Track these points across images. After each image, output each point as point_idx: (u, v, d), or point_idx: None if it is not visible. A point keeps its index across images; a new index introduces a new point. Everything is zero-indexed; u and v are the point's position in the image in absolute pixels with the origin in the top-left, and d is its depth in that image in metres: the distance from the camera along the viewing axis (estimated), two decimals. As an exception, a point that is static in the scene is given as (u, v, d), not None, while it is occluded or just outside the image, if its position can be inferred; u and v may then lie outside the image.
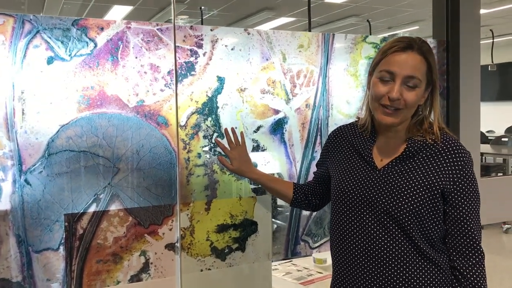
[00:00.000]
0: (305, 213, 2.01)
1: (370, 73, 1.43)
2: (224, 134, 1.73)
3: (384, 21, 8.88)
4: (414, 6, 7.69)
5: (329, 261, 2.49)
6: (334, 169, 1.50)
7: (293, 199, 1.67)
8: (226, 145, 1.71)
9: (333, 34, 2.00)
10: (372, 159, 1.40)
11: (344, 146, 1.51)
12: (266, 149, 1.91)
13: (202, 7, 7.47)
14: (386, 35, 2.10)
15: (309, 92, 1.97)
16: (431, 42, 2.25)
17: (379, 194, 1.35)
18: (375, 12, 8.16)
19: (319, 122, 2.00)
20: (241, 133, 1.73)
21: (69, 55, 1.59)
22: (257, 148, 1.90)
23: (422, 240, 1.32)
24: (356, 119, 1.56)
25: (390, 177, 1.35)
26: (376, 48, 2.09)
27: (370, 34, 2.02)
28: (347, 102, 2.05)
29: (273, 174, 1.97)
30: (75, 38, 1.59)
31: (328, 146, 1.58)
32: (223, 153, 1.74)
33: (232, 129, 1.72)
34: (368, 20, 8.54)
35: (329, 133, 1.63)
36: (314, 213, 2.02)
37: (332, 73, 2.01)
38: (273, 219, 1.95)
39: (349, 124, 1.58)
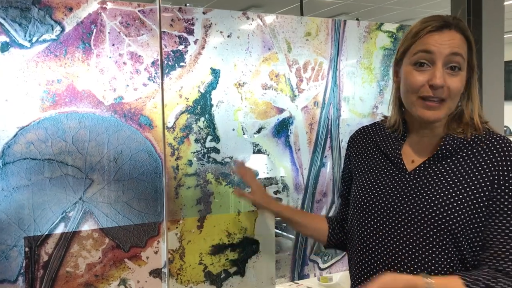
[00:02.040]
0: (313, 228, 1.73)
1: (397, 63, 1.16)
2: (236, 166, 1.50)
3: (374, 19, 8.69)
4: (403, 4, 7.50)
5: (335, 279, 2.21)
6: (356, 175, 1.23)
7: (330, 233, 1.35)
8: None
9: (345, 21, 1.73)
10: (400, 161, 1.14)
11: (367, 148, 1.25)
12: (268, 154, 1.63)
13: (187, 4, 7.19)
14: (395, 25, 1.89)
15: (317, 87, 1.70)
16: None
17: (410, 201, 1.09)
18: (365, 10, 7.96)
19: (329, 123, 1.72)
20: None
21: (29, 41, 1.29)
22: (258, 153, 1.61)
23: (473, 258, 1.05)
24: (383, 118, 1.28)
25: (423, 181, 1.10)
26: (392, 37, 1.82)
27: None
28: (361, 99, 1.78)
29: (277, 179, 1.68)
30: (36, 20, 1.29)
31: (349, 153, 1.31)
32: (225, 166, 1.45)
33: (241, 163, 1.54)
34: (357, 19, 8.36)
35: (348, 137, 1.34)
36: (324, 229, 1.74)
37: (344, 66, 1.73)
38: (276, 237, 1.66)
39: (373, 124, 1.31)
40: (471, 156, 1.08)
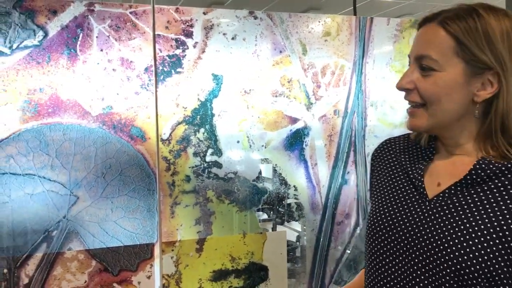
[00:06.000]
0: (334, 253, 1.53)
1: None
2: None
3: (442, 20, 8.18)
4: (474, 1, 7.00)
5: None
6: (374, 197, 1.02)
7: None
8: None
9: (371, 18, 1.52)
10: (421, 184, 0.92)
11: (389, 165, 1.03)
12: (279, 170, 1.45)
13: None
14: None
15: (338, 94, 1.50)
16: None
17: (427, 236, 0.87)
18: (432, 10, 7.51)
19: (353, 134, 1.52)
20: None
21: (10, 48, 1.20)
22: (267, 169, 1.44)
23: None
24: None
25: (444, 212, 0.87)
26: (430, 35, 1.59)
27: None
28: (391, 107, 1.55)
29: (289, 197, 1.49)
30: (17, 24, 1.20)
31: (372, 170, 1.09)
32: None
33: None
34: (423, 19, 7.88)
35: (370, 150, 1.13)
36: (346, 254, 1.53)
37: (370, 69, 1.52)
38: (289, 262, 1.48)
39: (401, 136, 1.08)
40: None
